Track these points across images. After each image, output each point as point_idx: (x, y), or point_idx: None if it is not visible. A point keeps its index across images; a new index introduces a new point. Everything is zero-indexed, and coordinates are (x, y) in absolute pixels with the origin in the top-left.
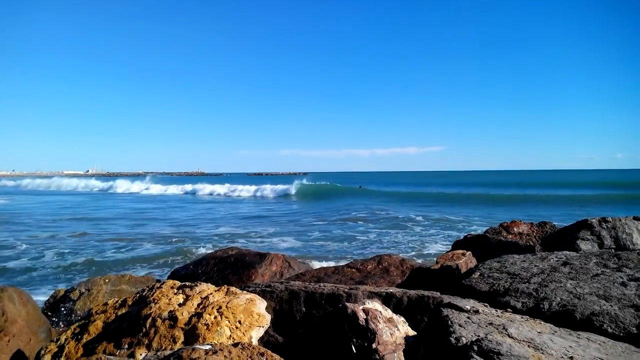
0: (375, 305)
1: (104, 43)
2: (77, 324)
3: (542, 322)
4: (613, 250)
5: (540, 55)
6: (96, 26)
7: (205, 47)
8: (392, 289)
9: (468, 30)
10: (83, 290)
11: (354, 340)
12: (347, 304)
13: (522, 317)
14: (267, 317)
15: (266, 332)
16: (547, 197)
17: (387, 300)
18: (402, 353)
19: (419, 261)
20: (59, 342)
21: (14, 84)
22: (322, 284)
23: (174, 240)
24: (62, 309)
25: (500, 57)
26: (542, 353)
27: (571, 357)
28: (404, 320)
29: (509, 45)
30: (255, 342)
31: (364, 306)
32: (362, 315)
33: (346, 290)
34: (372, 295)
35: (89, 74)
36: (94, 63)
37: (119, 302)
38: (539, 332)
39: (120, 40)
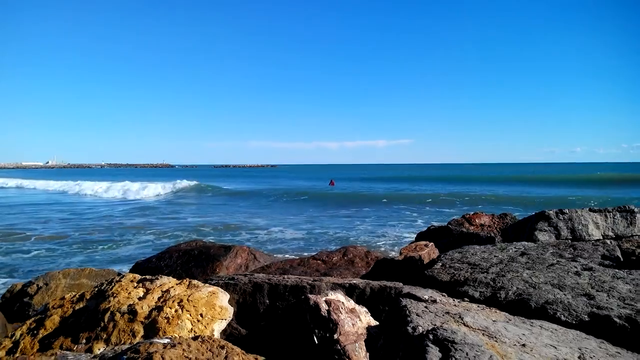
0: (338, 296)
1: (70, 32)
2: (33, 319)
3: (498, 311)
4: (569, 241)
5: (506, 50)
6: (62, 18)
7: (174, 38)
8: (355, 280)
9: (437, 25)
10: (41, 284)
11: (316, 331)
12: (310, 296)
13: (478, 306)
14: (230, 310)
15: (229, 324)
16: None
17: (350, 291)
18: (364, 343)
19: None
20: (13, 338)
21: None
22: (286, 276)
23: None
24: (19, 304)
25: (467, 52)
26: (495, 341)
27: (524, 345)
28: (367, 311)
29: (476, 40)
30: (217, 335)
31: (327, 297)
32: (324, 307)
33: (310, 282)
34: (335, 287)
35: (52, 63)
36: (59, 52)
37: (77, 296)
38: (493, 321)
39: (86, 30)
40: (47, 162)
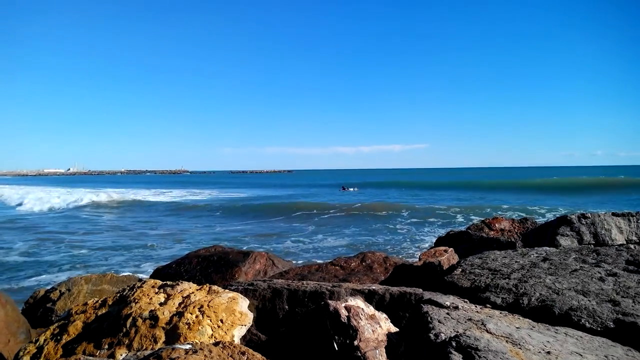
0: (357, 302)
1: (86, 42)
2: (56, 324)
3: (521, 318)
4: (592, 246)
5: (523, 55)
6: (79, 25)
7: (190, 46)
8: (374, 286)
9: (453, 30)
10: (63, 290)
11: (336, 337)
12: (330, 302)
13: (501, 313)
14: (250, 316)
15: (249, 330)
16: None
17: (370, 297)
18: (384, 349)
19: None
20: (37, 343)
21: None
22: (305, 282)
23: None
24: (42, 309)
25: (484, 57)
26: (519, 348)
27: (548, 352)
28: (386, 317)
29: (492, 45)
30: (237, 340)
31: (346, 303)
32: (344, 313)
33: (329, 287)
34: (354, 293)
35: (72, 73)
36: (78, 62)
37: (99, 302)
38: (517, 328)
39: (103, 39)
40: (69, 169)
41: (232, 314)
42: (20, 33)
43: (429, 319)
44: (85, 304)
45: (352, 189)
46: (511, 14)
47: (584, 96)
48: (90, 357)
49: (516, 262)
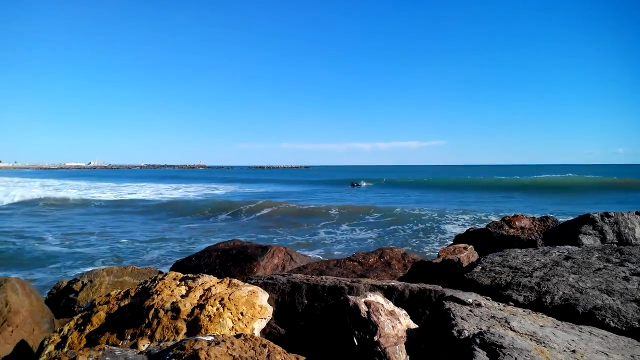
0: (377, 298)
1: (106, 38)
2: (80, 315)
3: (545, 316)
4: (615, 245)
5: (542, 51)
6: (98, 22)
7: (208, 42)
8: (393, 282)
9: (472, 27)
10: (85, 281)
11: (356, 332)
12: (349, 297)
13: (524, 311)
14: (269, 309)
15: (268, 324)
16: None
17: (389, 293)
18: (404, 346)
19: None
20: (62, 333)
21: (17, 78)
22: (324, 277)
23: None
24: (65, 300)
25: (503, 53)
26: (544, 346)
27: (573, 351)
28: (406, 313)
29: (512, 41)
30: (257, 333)
31: (366, 299)
32: (364, 308)
33: (348, 283)
34: (374, 288)
35: (93, 68)
36: (98, 58)
37: (122, 293)
38: (541, 326)
39: (122, 35)
40: (90, 163)
41: (252, 307)
42: (41, 30)
43: (451, 315)
44: (108, 295)
45: (362, 184)
46: (529, 13)
47: (605, 93)
48: (114, 347)
49: (537, 260)
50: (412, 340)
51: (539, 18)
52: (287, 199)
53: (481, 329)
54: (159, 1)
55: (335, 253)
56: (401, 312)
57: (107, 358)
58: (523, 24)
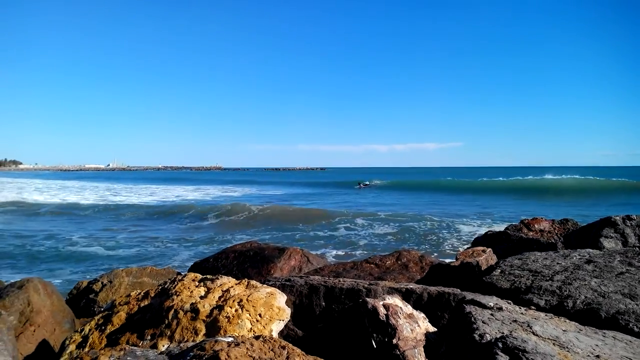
0: (395, 301)
1: (125, 41)
2: (100, 315)
3: (567, 320)
4: (637, 248)
5: (561, 51)
6: (115, 23)
7: (224, 43)
8: (412, 285)
9: (491, 28)
10: (105, 282)
11: (374, 335)
12: (368, 299)
13: (546, 315)
14: (288, 311)
15: (286, 326)
16: None
17: (407, 296)
18: (423, 349)
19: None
20: (83, 333)
21: (38, 82)
22: (341, 279)
23: None
24: (85, 300)
25: (521, 53)
26: (567, 351)
27: (597, 356)
28: (424, 317)
29: (530, 41)
30: (275, 335)
31: (384, 302)
32: (382, 311)
33: (366, 285)
34: (392, 291)
35: (111, 71)
36: (117, 59)
37: (142, 293)
38: (564, 330)
39: (141, 37)
40: (108, 165)
41: (270, 309)
42: (52, 31)
43: (472, 319)
44: (129, 295)
45: (367, 183)
46: (558, 9)
47: (628, 94)
48: (135, 347)
49: (558, 263)
50: (431, 343)
51: (558, 17)
52: (291, 202)
53: (503, 333)
54: (173, 2)
55: (331, 259)
56: (420, 315)
57: (128, 358)
58: (543, 23)
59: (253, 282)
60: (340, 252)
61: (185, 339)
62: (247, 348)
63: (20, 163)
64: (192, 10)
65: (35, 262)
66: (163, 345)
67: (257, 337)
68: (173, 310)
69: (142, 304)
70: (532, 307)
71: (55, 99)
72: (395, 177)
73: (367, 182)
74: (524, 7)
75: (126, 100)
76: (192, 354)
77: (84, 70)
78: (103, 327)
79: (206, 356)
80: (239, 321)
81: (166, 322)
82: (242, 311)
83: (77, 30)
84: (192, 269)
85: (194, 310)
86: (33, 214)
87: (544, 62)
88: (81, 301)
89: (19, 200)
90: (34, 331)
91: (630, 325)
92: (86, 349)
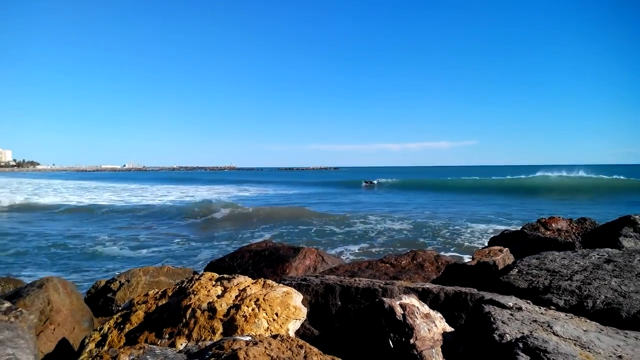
0: (412, 300)
1: (142, 43)
2: (119, 314)
3: (588, 320)
4: None
5: (577, 49)
6: (127, 25)
7: (241, 45)
8: (428, 285)
9: (505, 28)
10: (123, 281)
11: (391, 335)
12: (384, 299)
13: (566, 315)
14: (304, 310)
15: (302, 325)
16: None
17: (424, 295)
18: (440, 349)
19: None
20: (102, 332)
21: (53, 83)
22: (357, 278)
23: None
24: (103, 299)
25: (536, 52)
26: (589, 351)
27: (620, 357)
28: (441, 316)
29: (546, 40)
30: (292, 334)
31: (401, 301)
32: (399, 310)
33: (382, 285)
34: (408, 291)
35: (128, 73)
36: (135, 62)
37: (160, 293)
38: (585, 331)
39: (152, 39)
40: (124, 165)
41: (286, 308)
42: (68, 34)
43: (492, 319)
44: (147, 294)
45: (374, 182)
46: (571, 9)
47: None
48: (153, 346)
49: (576, 263)
50: (448, 343)
51: (572, 15)
52: (307, 201)
53: (523, 333)
54: (182, 3)
55: (348, 256)
56: (436, 315)
57: (147, 357)
58: (556, 22)
59: (269, 281)
60: (356, 249)
61: (203, 338)
62: (265, 347)
63: (38, 164)
64: (210, 11)
65: (54, 261)
66: (181, 344)
67: (274, 336)
68: (191, 309)
69: (159, 303)
70: (552, 307)
71: (73, 101)
72: (408, 176)
73: (374, 181)
74: (551, 7)
75: (142, 101)
76: (210, 352)
77: (101, 72)
78: (122, 326)
79: (225, 355)
80: (256, 320)
81: (184, 320)
82: (259, 310)
83: (98, 32)
84: (208, 268)
85: (211, 309)
86: (52, 214)
87: (564, 61)
88: (99, 300)
89: (37, 201)
90: (54, 330)
91: None
92: (105, 348)
